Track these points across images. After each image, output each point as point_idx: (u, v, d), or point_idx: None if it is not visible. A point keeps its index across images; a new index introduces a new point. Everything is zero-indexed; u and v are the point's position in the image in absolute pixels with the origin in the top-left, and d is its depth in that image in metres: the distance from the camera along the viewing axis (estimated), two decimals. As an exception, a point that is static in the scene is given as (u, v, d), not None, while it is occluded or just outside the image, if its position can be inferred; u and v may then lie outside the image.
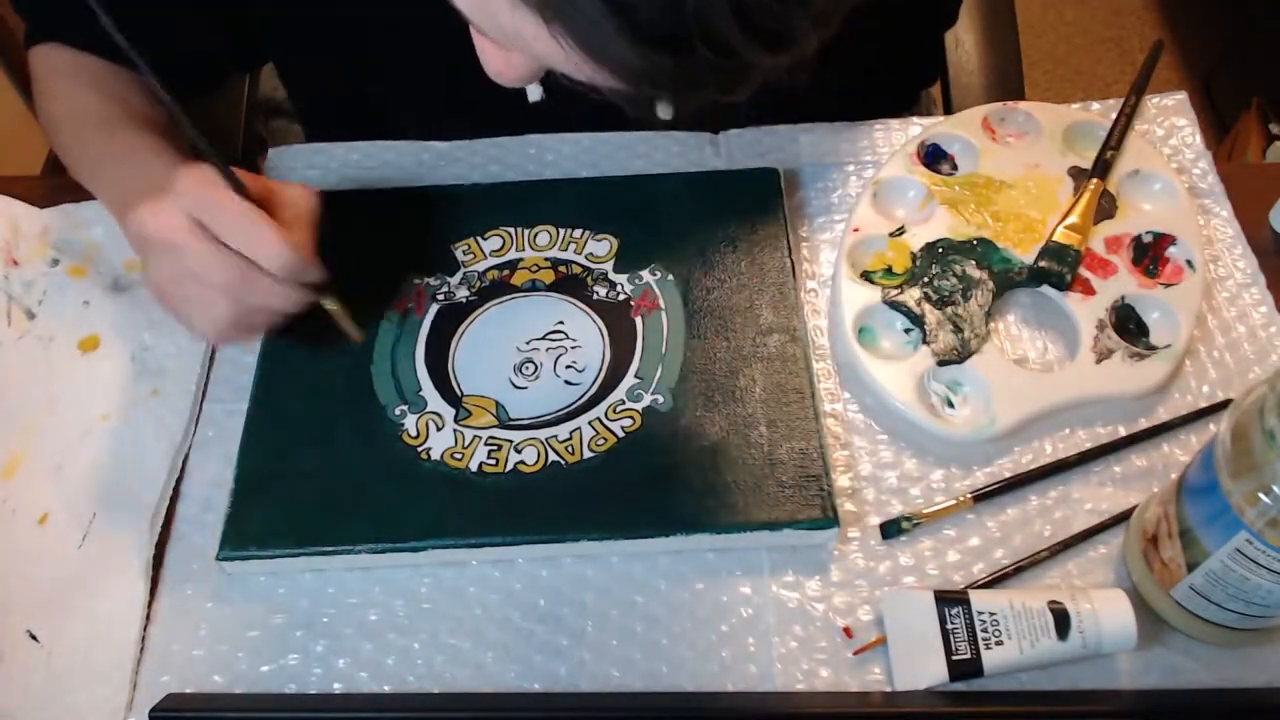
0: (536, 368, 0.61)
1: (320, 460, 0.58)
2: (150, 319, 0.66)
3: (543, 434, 0.58)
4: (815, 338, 0.64)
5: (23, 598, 0.56)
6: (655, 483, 0.56)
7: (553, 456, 0.57)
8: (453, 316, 0.64)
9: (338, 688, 0.53)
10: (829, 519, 0.54)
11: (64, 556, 0.58)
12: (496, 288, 0.65)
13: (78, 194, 0.73)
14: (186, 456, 0.61)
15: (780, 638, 0.53)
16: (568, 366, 0.61)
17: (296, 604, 0.56)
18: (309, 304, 0.57)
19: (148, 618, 0.56)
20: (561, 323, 0.63)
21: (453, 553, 0.56)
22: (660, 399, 0.59)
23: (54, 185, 0.75)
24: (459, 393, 0.60)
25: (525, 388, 0.60)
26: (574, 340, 0.62)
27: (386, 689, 0.53)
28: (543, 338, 0.62)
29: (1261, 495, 0.44)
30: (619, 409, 0.59)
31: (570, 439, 0.58)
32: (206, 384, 0.64)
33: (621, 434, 0.58)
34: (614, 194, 0.69)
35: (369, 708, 0.52)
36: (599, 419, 0.59)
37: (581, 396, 0.60)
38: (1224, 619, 0.50)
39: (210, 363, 0.64)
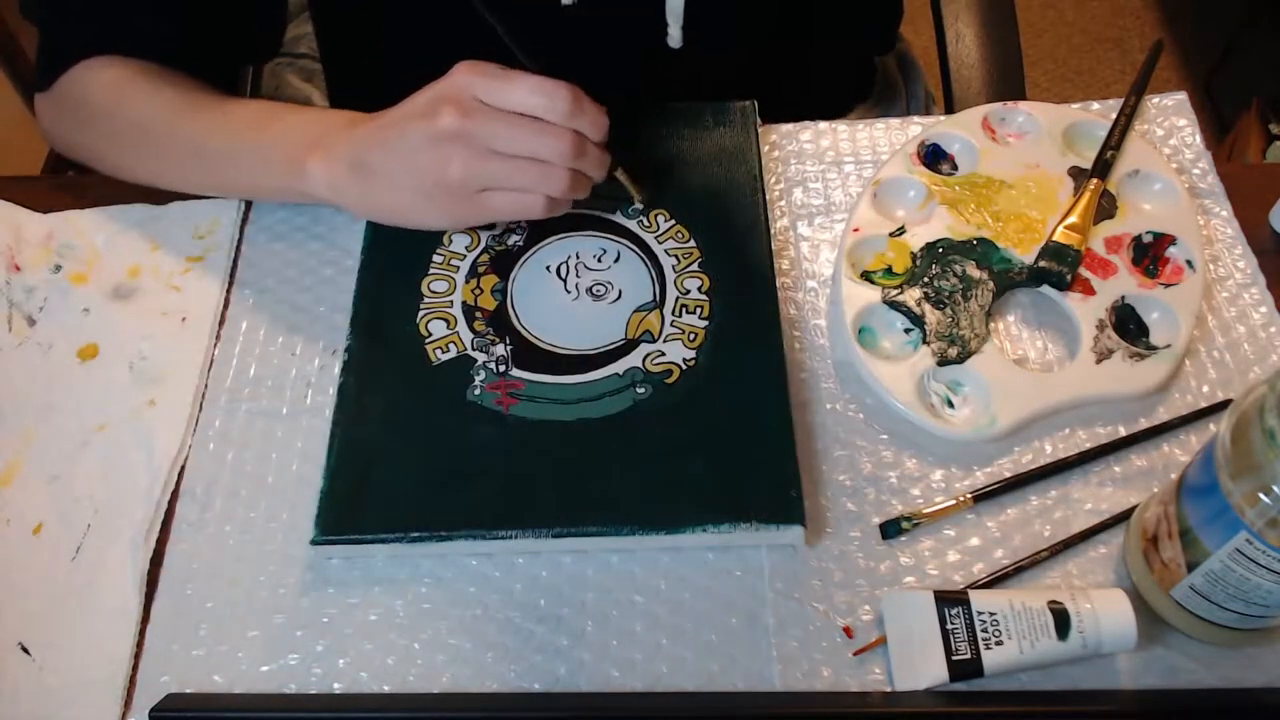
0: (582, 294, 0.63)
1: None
2: (148, 328, 0.66)
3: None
4: (815, 338, 0.64)
5: (15, 609, 0.56)
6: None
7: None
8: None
9: (338, 688, 0.53)
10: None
11: (57, 568, 0.57)
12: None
13: (78, 194, 0.73)
14: (186, 458, 0.61)
15: (780, 638, 0.53)
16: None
17: (297, 604, 0.56)
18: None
19: (144, 625, 0.55)
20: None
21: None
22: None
23: (54, 185, 0.75)
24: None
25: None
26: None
27: (386, 689, 0.53)
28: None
29: (1261, 495, 0.44)
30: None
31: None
32: (205, 386, 0.64)
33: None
34: None
35: (369, 708, 0.52)
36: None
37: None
38: (1224, 619, 0.50)
39: (209, 365, 0.64)
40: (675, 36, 0.70)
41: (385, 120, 0.59)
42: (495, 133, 0.55)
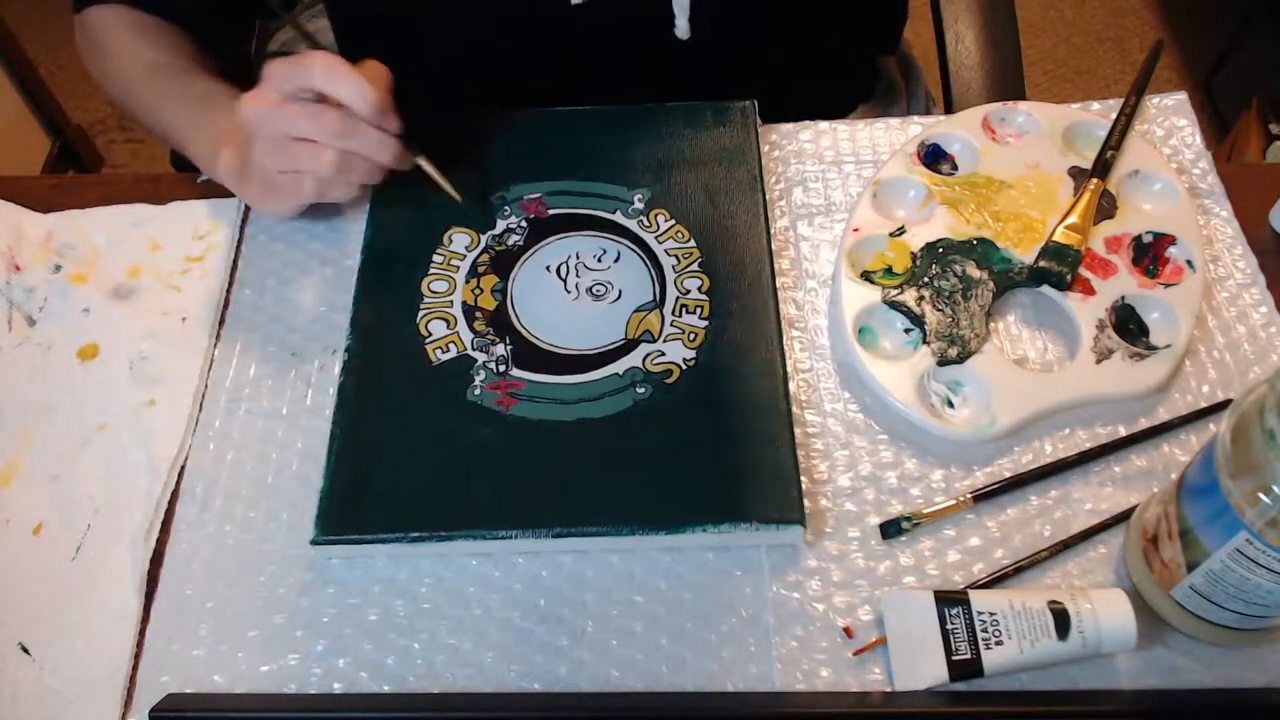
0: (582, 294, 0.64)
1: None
2: (149, 328, 0.66)
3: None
4: (815, 338, 0.64)
5: (15, 610, 0.56)
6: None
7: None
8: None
9: (338, 688, 0.53)
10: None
11: (58, 568, 0.57)
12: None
13: (78, 194, 0.73)
14: (186, 459, 0.61)
15: (780, 638, 0.53)
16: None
17: (296, 604, 0.56)
18: (405, 161, 0.63)
19: (144, 625, 0.55)
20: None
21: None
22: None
23: (54, 185, 0.75)
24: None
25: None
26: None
27: (386, 689, 0.53)
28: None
29: (1261, 495, 0.44)
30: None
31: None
32: (205, 386, 0.64)
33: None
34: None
35: (369, 708, 0.52)
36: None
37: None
38: (1224, 619, 0.50)
39: (209, 365, 0.64)
40: (683, 28, 0.72)
41: None
42: (277, 116, 0.58)
